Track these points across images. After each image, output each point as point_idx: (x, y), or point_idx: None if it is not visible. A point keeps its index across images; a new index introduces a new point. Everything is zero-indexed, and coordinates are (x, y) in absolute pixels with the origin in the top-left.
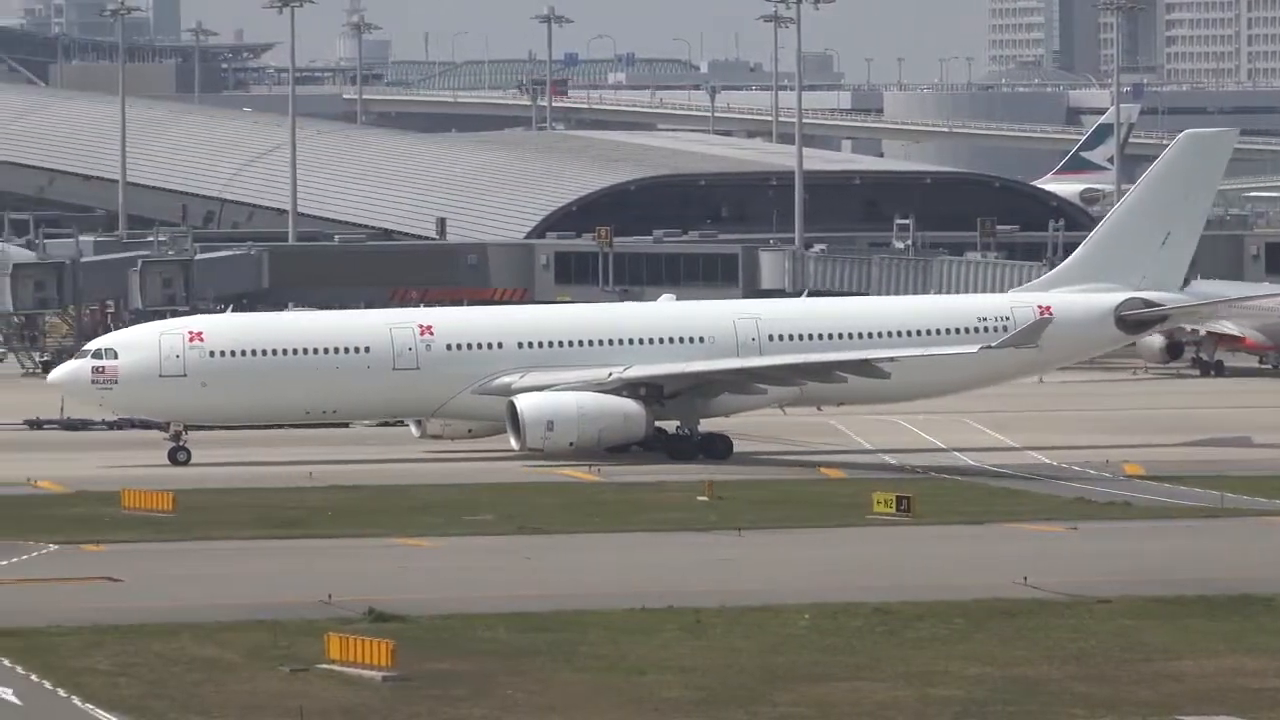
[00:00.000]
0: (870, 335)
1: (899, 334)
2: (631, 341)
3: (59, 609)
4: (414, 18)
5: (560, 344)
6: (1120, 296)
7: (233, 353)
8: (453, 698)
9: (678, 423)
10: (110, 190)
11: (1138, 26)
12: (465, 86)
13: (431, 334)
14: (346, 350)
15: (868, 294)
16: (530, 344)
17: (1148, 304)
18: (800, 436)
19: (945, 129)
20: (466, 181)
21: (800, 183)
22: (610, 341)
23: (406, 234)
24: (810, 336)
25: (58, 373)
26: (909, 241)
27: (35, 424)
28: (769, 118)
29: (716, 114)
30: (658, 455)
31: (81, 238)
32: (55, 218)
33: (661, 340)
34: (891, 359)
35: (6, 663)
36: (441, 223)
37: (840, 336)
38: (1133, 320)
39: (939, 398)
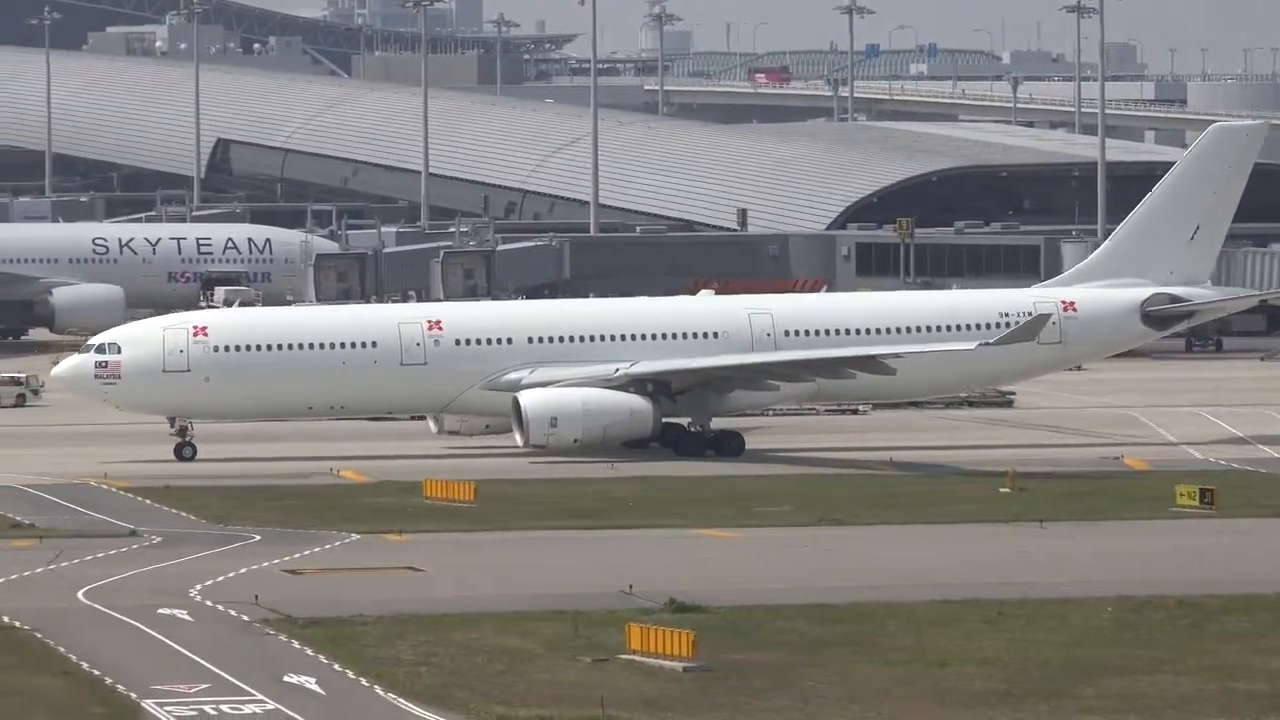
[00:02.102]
0: (888, 330)
1: (918, 329)
2: (644, 337)
3: (362, 599)
4: (715, 9)
5: (572, 339)
6: (1146, 292)
7: (237, 347)
8: (753, 689)
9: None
10: (413, 181)
11: None
12: None
13: (440, 329)
14: (353, 345)
15: None
16: (541, 339)
17: (1174, 299)
18: (1104, 429)
19: (1250, 120)
20: (768, 172)
21: (1103, 174)
22: (623, 337)
23: (707, 225)
24: (827, 332)
25: (61, 367)
26: None
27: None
28: (1071, 109)
29: (1018, 105)
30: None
31: (384, 229)
32: (358, 209)
33: (675, 336)
34: (897, 355)
35: (310, 652)
36: (743, 214)
37: (858, 332)
38: (1159, 316)
39: (961, 393)
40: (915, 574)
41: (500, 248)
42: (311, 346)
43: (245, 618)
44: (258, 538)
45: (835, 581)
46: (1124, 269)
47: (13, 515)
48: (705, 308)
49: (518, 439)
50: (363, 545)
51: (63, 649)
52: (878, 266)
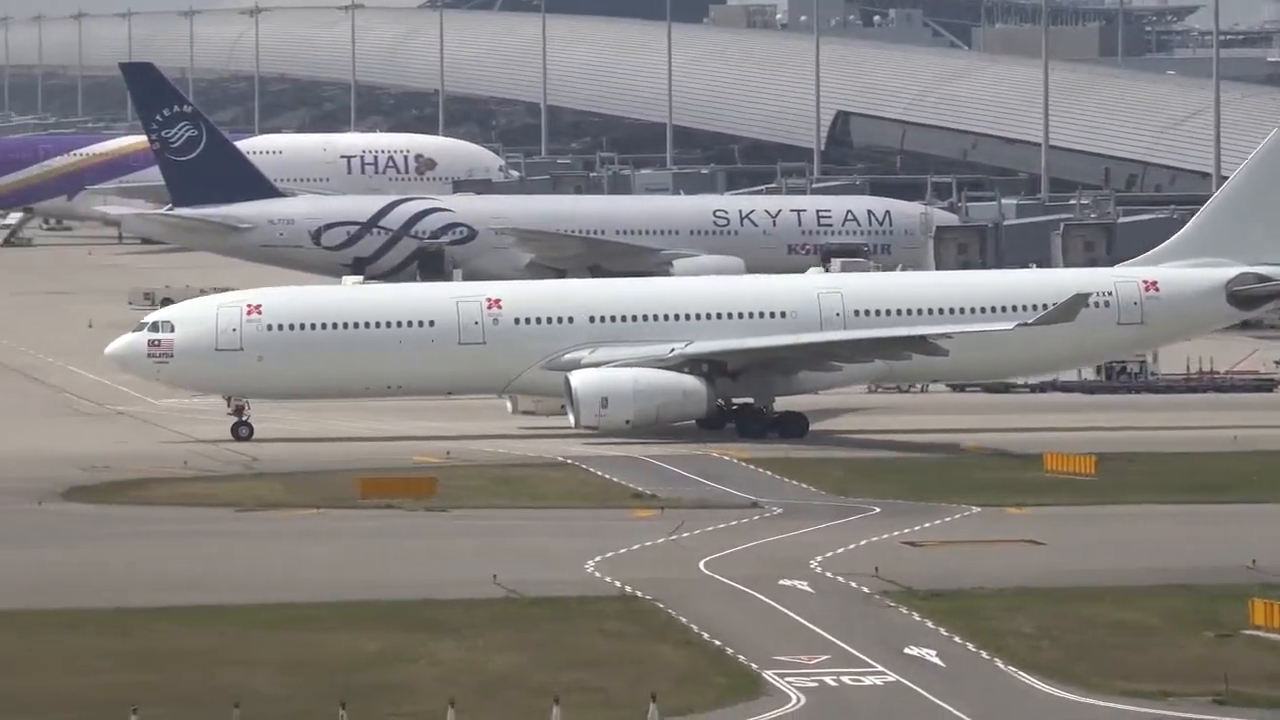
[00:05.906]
0: (962, 310)
1: (992, 309)
2: (709, 316)
3: (982, 571)
4: None
5: (634, 318)
6: (1232, 271)
7: (291, 326)
8: None
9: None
10: (1032, 153)
11: None
12: None
13: (500, 308)
14: (410, 324)
15: None
16: (603, 318)
17: (1261, 279)
18: None
19: None
20: None
21: None
22: (686, 316)
23: None
24: (899, 312)
25: (115, 346)
26: None
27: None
28: None
29: None
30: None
31: (1003, 201)
32: (978, 181)
33: (741, 315)
34: (947, 335)
35: (930, 624)
36: None
37: (930, 312)
38: (1245, 296)
39: (1034, 376)
40: None
41: (1121, 220)
42: (367, 325)
43: (865, 590)
44: (878, 510)
45: None
46: (1210, 248)
47: (635, 485)
48: (773, 286)
49: (570, 419)
50: (983, 518)
51: (684, 619)
52: None
